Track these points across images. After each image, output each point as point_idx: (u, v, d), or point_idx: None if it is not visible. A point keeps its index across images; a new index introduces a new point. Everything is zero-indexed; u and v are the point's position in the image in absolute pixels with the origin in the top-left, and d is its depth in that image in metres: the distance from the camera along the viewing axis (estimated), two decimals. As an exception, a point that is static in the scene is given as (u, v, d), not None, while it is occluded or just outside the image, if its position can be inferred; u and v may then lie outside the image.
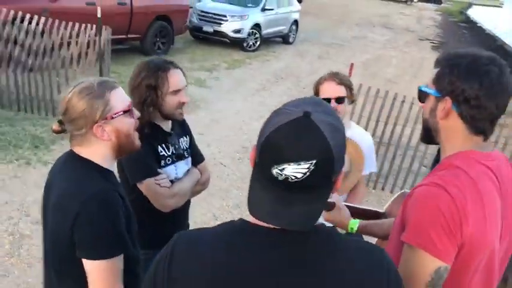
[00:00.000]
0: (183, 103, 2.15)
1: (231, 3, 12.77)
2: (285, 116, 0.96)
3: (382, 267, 1.00)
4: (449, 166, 1.33)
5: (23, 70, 5.83)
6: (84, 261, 1.44)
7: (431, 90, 1.38)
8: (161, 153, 2.16)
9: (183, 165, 2.29)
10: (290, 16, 14.14)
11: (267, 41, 13.34)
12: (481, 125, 1.32)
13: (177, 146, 2.25)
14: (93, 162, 1.53)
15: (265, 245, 0.97)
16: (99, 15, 5.76)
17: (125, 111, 1.54)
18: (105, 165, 1.56)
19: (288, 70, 10.83)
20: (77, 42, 5.86)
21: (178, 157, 2.24)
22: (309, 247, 0.98)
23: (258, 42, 12.56)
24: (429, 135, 1.44)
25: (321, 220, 1.01)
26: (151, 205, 2.09)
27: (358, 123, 5.46)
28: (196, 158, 2.40)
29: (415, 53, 15.47)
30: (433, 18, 28.92)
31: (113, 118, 1.51)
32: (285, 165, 0.93)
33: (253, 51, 12.35)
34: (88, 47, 5.91)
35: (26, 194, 4.17)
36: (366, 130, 5.22)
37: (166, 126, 2.23)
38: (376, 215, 1.96)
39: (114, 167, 1.68)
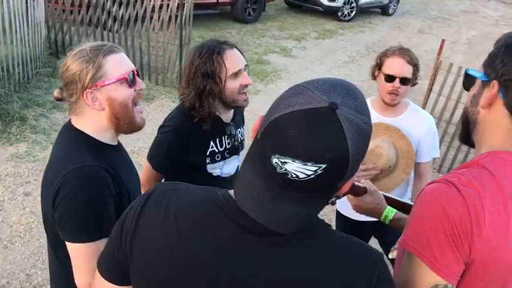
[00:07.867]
0: (246, 85, 1.87)
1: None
2: (306, 99, 0.77)
3: (363, 281, 0.84)
4: (472, 164, 1.07)
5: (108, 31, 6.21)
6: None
7: (478, 74, 1.11)
8: (211, 149, 1.96)
9: (234, 161, 2.08)
10: (392, -15, 13.27)
11: (365, 12, 12.66)
12: None
13: (233, 139, 2.03)
14: (86, 134, 1.41)
15: (234, 232, 0.85)
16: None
17: (119, 79, 1.38)
18: (101, 138, 1.43)
19: (381, 43, 10.18)
20: (159, 16, 5.98)
21: (231, 152, 2.04)
22: (281, 253, 0.84)
23: (354, 12, 11.93)
24: (467, 131, 1.16)
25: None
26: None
27: (436, 101, 5.02)
28: None
29: (533, 31, 13.79)
30: None
31: (104, 86, 1.36)
32: (289, 160, 0.77)
33: (348, 21, 11.78)
34: (170, 19, 5.99)
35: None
36: (445, 109, 4.79)
37: (227, 116, 1.99)
38: None
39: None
